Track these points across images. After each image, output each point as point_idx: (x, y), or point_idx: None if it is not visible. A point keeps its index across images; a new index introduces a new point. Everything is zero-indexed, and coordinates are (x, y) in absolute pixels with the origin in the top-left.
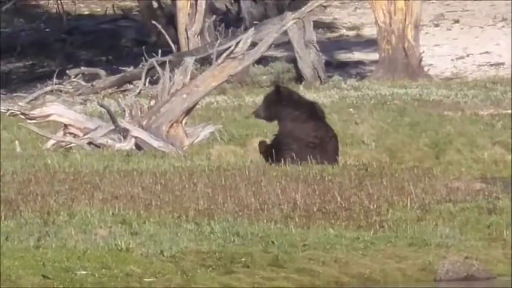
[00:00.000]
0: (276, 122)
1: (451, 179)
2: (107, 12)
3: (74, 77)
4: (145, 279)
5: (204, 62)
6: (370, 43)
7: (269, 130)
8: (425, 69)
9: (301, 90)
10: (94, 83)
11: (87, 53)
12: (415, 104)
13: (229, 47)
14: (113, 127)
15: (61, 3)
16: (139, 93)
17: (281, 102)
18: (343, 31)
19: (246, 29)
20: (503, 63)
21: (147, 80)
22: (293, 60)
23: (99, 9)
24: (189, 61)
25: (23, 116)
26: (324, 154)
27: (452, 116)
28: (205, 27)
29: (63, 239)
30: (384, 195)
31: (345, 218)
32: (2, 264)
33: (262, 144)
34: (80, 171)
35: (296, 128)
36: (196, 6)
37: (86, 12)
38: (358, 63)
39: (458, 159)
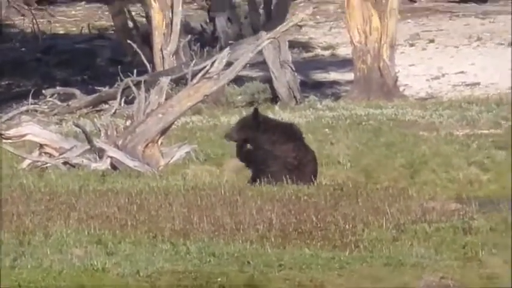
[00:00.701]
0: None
1: (426, 199)
2: (82, 31)
3: (50, 97)
4: None
5: (179, 81)
6: (345, 63)
7: None
8: (401, 89)
9: (277, 110)
10: (69, 102)
11: (63, 72)
12: (390, 124)
13: (205, 67)
14: (88, 147)
15: (36, 22)
16: (114, 113)
17: (258, 125)
18: (319, 51)
19: (221, 49)
20: (478, 83)
21: (123, 100)
22: (268, 80)
23: (74, 29)
24: (165, 81)
25: None
26: (302, 175)
27: (428, 136)
28: (180, 47)
29: (39, 259)
30: (360, 215)
31: (321, 238)
32: None
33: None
34: (56, 191)
35: (275, 149)
36: (171, 26)
37: (62, 32)
38: (334, 83)
39: (434, 179)
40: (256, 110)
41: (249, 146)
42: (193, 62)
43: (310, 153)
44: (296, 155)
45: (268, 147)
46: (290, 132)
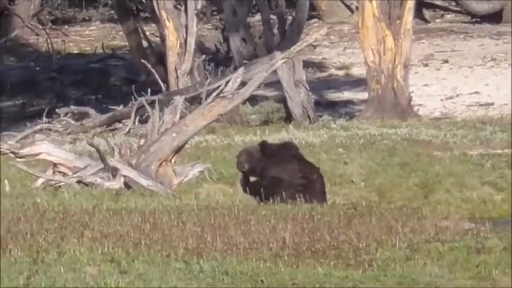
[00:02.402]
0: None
1: (439, 219)
2: (97, 51)
3: (64, 116)
4: None
5: (194, 101)
6: (359, 82)
7: None
8: (415, 109)
9: (291, 129)
10: (83, 121)
11: (77, 91)
12: (404, 144)
13: (219, 86)
14: (102, 166)
15: (51, 41)
16: (128, 132)
17: (264, 155)
18: (333, 70)
19: (235, 69)
20: (492, 104)
21: (137, 119)
22: (283, 100)
23: (88, 48)
24: (179, 100)
25: (12, 155)
26: (313, 194)
27: (442, 156)
28: (194, 67)
29: (53, 278)
30: (373, 234)
31: (334, 256)
32: None
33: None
34: (69, 209)
35: (281, 171)
36: (185, 46)
37: (76, 51)
38: (348, 102)
39: (447, 198)
40: (263, 143)
41: (252, 178)
42: (208, 81)
43: (315, 169)
44: (303, 174)
45: (274, 172)
46: (289, 151)
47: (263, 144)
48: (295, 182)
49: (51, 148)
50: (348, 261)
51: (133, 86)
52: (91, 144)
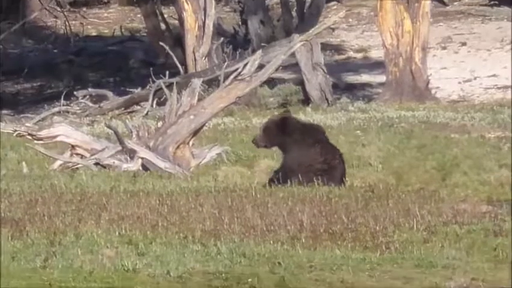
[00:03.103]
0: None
1: (457, 201)
2: (115, 33)
3: (82, 98)
4: None
5: (212, 83)
6: (377, 65)
7: (275, 151)
8: (433, 91)
9: (309, 112)
10: (101, 104)
11: (95, 74)
12: (422, 127)
13: (237, 68)
14: (119, 148)
15: (69, 24)
16: (146, 114)
17: (285, 130)
18: (351, 53)
19: (253, 51)
20: (510, 86)
21: (155, 102)
22: (300, 82)
23: (106, 31)
24: (197, 83)
25: (30, 137)
26: (332, 179)
27: (459, 139)
28: (212, 49)
29: (70, 260)
30: (390, 216)
31: (351, 239)
32: (9, 284)
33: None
34: (87, 191)
35: (303, 155)
36: (204, 28)
37: (94, 34)
38: (366, 85)
39: (465, 181)
40: (284, 117)
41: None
42: (226, 64)
43: (338, 154)
44: (325, 159)
45: (296, 153)
46: (315, 135)
47: (284, 120)
48: (315, 166)
49: (69, 130)
50: (365, 244)
51: (151, 68)
52: (109, 127)
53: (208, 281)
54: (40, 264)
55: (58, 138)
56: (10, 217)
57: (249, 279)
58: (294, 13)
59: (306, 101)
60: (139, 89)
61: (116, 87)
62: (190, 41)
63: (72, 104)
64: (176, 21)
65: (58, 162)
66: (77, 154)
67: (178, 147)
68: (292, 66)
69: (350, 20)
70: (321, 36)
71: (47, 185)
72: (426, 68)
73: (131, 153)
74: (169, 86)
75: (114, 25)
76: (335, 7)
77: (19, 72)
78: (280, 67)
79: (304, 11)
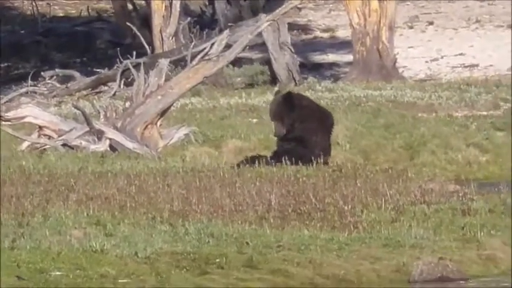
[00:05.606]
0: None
1: (425, 181)
2: (82, 14)
3: (49, 79)
4: (119, 281)
5: (179, 63)
6: (344, 45)
7: (243, 131)
8: (400, 70)
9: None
10: (69, 84)
11: (62, 54)
12: (389, 106)
13: (204, 48)
14: (87, 129)
15: (36, 5)
16: (114, 95)
17: (293, 109)
18: (318, 33)
19: (220, 31)
20: (477, 65)
21: (122, 82)
22: (267, 62)
23: (73, 11)
24: (164, 63)
25: None
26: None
27: (427, 118)
28: (179, 29)
29: (38, 241)
30: (358, 196)
31: (320, 219)
32: None
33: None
34: (55, 172)
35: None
36: (170, 9)
37: (61, 14)
38: (333, 64)
39: (432, 160)
40: (289, 94)
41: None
42: (193, 44)
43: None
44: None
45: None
46: (324, 123)
47: (290, 95)
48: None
49: (37, 111)
50: (333, 224)
51: (118, 49)
52: (76, 107)
53: (176, 261)
54: (8, 245)
55: (26, 119)
56: None
57: (217, 260)
58: None
59: (273, 80)
60: (106, 70)
61: (83, 68)
62: (157, 21)
63: (39, 85)
64: (143, 2)
65: (26, 143)
66: (45, 135)
67: (146, 127)
68: (259, 46)
69: None
70: (288, 16)
71: (14, 166)
72: (393, 47)
73: (99, 134)
74: (137, 66)
75: (81, 6)
76: None
77: None
78: (247, 47)
79: None
